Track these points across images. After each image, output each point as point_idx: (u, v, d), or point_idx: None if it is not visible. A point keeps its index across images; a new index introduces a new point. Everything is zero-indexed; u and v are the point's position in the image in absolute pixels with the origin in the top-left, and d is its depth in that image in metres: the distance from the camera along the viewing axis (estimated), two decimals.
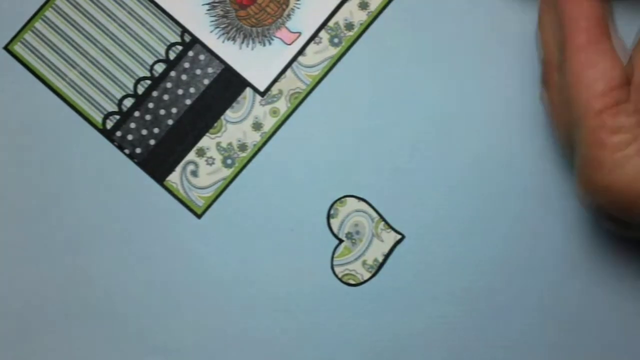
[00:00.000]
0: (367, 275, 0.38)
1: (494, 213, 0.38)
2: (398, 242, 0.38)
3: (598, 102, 0.29)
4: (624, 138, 0.29)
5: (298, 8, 0.39)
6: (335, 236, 0.38)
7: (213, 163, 0.39)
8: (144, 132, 0.39)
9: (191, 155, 0.39)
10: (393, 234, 0.38)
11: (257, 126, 0.39)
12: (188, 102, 0.39)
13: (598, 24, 0.30)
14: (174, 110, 0.39)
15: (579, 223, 0.38)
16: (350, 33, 0.39)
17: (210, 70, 0.39)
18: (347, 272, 0.38)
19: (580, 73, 0.30)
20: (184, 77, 0.39)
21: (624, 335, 0.38)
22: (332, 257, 0.38)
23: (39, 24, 0.39)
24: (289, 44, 0.39)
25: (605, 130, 0.29)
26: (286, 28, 0.39)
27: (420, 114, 0.38)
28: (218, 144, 0.39)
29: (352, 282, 0.38)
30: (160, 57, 0.39)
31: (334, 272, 0.38)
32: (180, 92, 0.39)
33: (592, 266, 0.38)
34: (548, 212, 0.38)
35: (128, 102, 0.39)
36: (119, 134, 0.39)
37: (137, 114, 0.39)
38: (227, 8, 0.39)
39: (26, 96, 0.39)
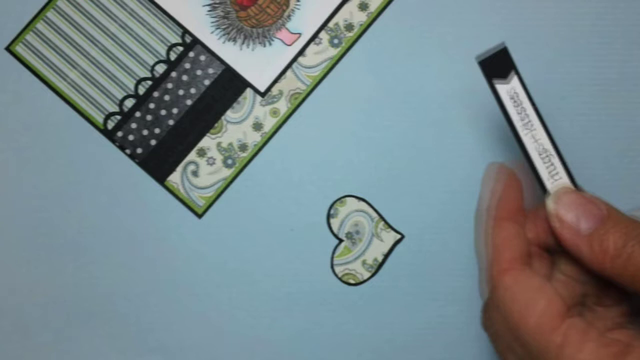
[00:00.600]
0: (367, 274, 0.38)
1: None
2: (398, 241, 0.38)
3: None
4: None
5: (298, 9, 0.39)
6: (335, 236, 0.38)
7: (214, 163, 0.39)
8: (145, 132, 0.39)
9: (192, 156, 0.39)
10: (393, 233, 0.38)
11: (257, 126, 0.39)
12: (189, 102, 0.39)
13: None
14: (174, 110, 0.39)
15: None
16: (350, 34, 0.39)
17: (210, 70, 0.39)
18: (347, 271, 0.38)
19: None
20: (184, 77, 0.39)
21: None
22: (332, 257, 0.38)
23: (40, 25, 0.39)
24: (289, 45, 0.39)
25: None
26: (286, 29, 0.39)
27: (420, 114, 0.38)
28: (219, 144, 0.39)
29: (352, 281, 0.38)
30: (161, 58, 0.39)
31: (334, 272, 0.38)
32: (181, 92, 0.39)
33: None
34: None
35: (129, 103, 0.39)
36: (120, 134, 0.39)
37: (138, 114, 0.39)
38: (228, 9, 0.39)
39: (27, 96, 0.39)
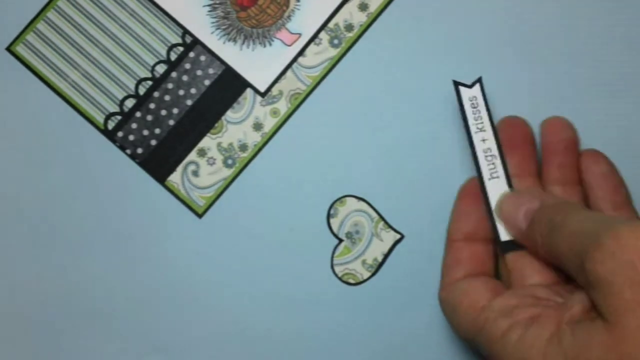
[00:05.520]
0: (366, 274, 0.38)
1: None
2: (397, 241, 0.38)
3: None
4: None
5: (298, 9, 0.39)
6: (335, 236, 0.38)
7: (214, 163, 0.39)
8: (146, 132, 0.39)
9: (192, 156, 0.39)
10: (392, 233, 0.38)
11: (257, 126, 0.39)
12: (189, 102, 0.39)
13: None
14: (175, 110, 0.39)
15: None
16: (350, 34, 0.39)
17: (211, 71, 0.39)
18: (347, 271, 0.38)
19: None
20: (185, 77, 0.39)
21: None
22: (332, 257, 0.38)
23: (40, 25, 0.39)
24: (289, 45, 0.39)
25: None
26: (286, 29, 0.39)
27: (420, 114, 0.38)
28: (219, 144, 0.39)
29: (351, 281, 0.38)
30: (162, 58, 0.39)
31: (334, 272, 0.38)
32: (181, 92, 0.39)
33: None
34: None
35: (129, 103, 0.39)
36: (120, 134, 0.39)
37: (138, 114, 0.39)
38: (228, 9, 0.39)
39: (28, 97, 0.39)
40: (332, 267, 0.38)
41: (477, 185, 0.35)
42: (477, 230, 0.34)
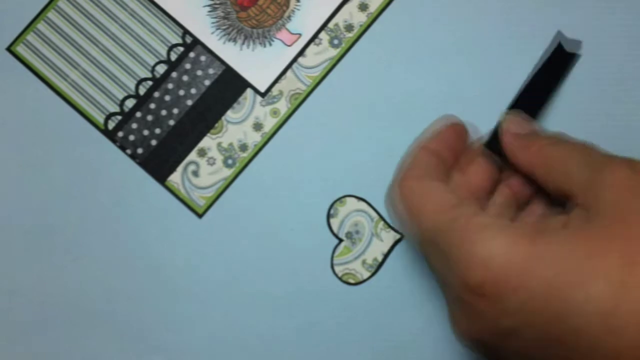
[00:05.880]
0: (366, 274, 0.38)
1: None
2: (397, 241, 0.38)
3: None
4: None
5: (298, 9, 0.39)
6: (335, 236, 0.39)
7: (214, 163, 0.39)
8: (146, 132, 0.39)
9: (192, 156, 0.39)
10: (392, 233, 0.38)
11: (257, 126, 0.39)
12: (189, 102, 0.39)
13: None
14: (175, 110, 0.39)
15: None
16: (350, 34, 0.39)
17: (211, 71, 0.39)
18: (346, 271, 0.38)
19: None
20: (185, 78, 0.39)
21: None
22: (332, 257, 0.38)
23: (41, 25, 0.39)
24: (289, 45, 0.39)
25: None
26: (286, 29, 0.39)
27: (419, 115, 0.38)
28: (219, 144, 0.39)
29: (351, 281, 0.38)
30: (162, 58, 0.39)
31: (333, 272, 0.38)
32: (181, 92, 0.39)
33: None
34: None
35: (130, 103, 0.39)
36: (120, 134, 0.39)
37: (138, 114, 0.39)
38: (228, 9, 0.39)
39: (28, 97, 0.39)
40: (332, 267, 0.38)
41: (461, 126, 0.35)
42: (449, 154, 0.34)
